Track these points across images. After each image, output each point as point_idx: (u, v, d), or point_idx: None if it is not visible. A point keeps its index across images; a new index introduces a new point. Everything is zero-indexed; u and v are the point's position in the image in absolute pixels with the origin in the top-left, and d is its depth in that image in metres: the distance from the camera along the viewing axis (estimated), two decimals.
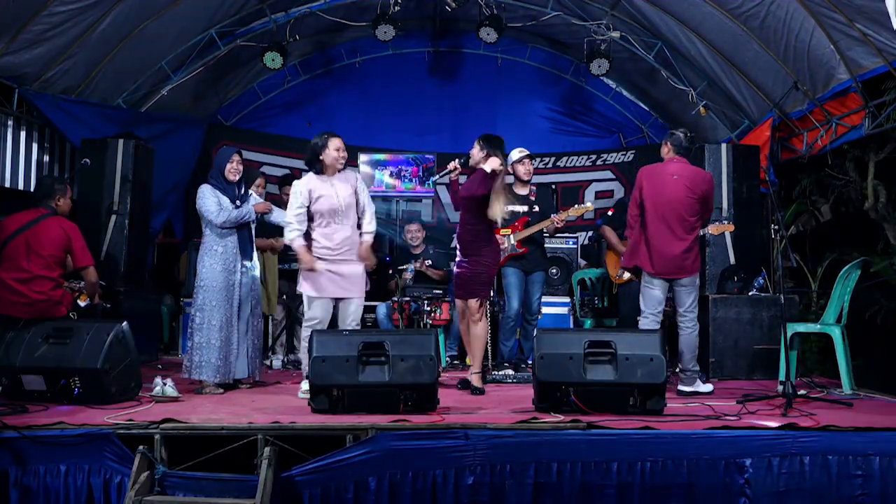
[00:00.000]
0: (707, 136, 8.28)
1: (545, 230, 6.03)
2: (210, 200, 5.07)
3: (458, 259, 5.31)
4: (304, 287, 4.95)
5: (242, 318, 5.17)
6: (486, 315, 5.36)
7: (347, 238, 4.99)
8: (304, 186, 4.98)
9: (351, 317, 4.99)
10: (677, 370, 5.35)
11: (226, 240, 5.12)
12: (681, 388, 5.20)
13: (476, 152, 5.18)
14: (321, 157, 4.99)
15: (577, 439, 3.79)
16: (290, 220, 4.97)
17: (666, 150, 5.41)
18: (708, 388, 5.30)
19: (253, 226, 5.33)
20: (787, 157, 7.57)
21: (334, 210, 4.95)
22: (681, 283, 5.21)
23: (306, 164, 5.12)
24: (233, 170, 5.18)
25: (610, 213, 7.21)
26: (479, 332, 5.20)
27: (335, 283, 4.94)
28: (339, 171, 5.04)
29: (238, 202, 5.17)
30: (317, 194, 4.95)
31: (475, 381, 5.18)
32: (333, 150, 4.99)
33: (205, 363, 4.99)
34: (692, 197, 5.19)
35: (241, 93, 9.16)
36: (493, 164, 5.02)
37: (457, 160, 5.31)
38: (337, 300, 4.99)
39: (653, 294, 5.23)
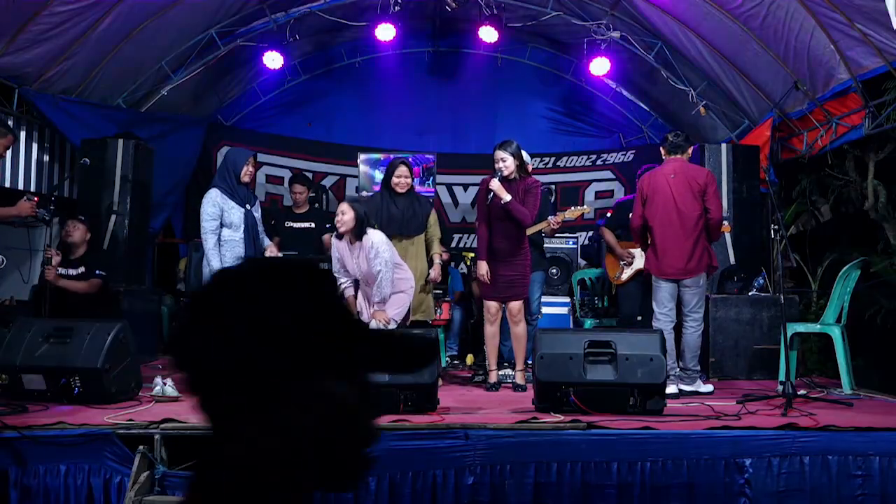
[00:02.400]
0: (707, 136, 8.27)
1: (542, 231, 6.03)
2: (208, 212, 5.05)
3: (487, 262, 5.26)
4: None
5: None
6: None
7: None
8: (334, 252, 5.16)
9: None
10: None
11: (230, 242, 5.11)
12: (681, 387, 5.20)
13: (511, 163, 5.15)
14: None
15: (577, 439, 3.80)
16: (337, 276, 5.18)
17: (663, 154, 5.48)
18: (708, 388, 5.31)
19: (261, 231, 5.33)
20: (787, 157, 7.56)
21: (356, 277, 5.19)
22: (684, 283, 5.23)
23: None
24: (249, 172, 5.22)
25: (608, 214, 7.20)
26: (521, 331, 5.30)
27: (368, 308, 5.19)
28: (358, 241, 5.05)
29: (248, 205, 5.17)
30: (341, 259, 5.16)
31: (519, 378, 5.31)
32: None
33: None
34: (691, 193, 5.20)
35: (241, 93, 9.13)
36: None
37: (496, 180, 5.14)
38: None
39: (661, 293, 5.26)
